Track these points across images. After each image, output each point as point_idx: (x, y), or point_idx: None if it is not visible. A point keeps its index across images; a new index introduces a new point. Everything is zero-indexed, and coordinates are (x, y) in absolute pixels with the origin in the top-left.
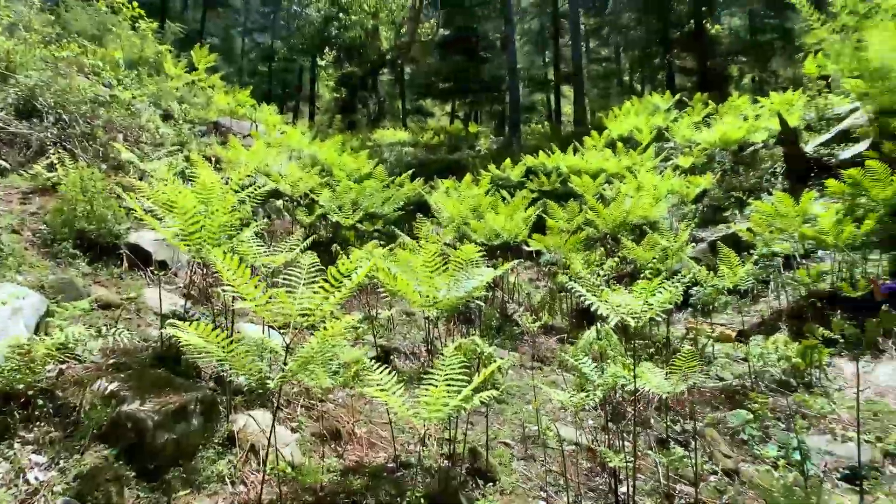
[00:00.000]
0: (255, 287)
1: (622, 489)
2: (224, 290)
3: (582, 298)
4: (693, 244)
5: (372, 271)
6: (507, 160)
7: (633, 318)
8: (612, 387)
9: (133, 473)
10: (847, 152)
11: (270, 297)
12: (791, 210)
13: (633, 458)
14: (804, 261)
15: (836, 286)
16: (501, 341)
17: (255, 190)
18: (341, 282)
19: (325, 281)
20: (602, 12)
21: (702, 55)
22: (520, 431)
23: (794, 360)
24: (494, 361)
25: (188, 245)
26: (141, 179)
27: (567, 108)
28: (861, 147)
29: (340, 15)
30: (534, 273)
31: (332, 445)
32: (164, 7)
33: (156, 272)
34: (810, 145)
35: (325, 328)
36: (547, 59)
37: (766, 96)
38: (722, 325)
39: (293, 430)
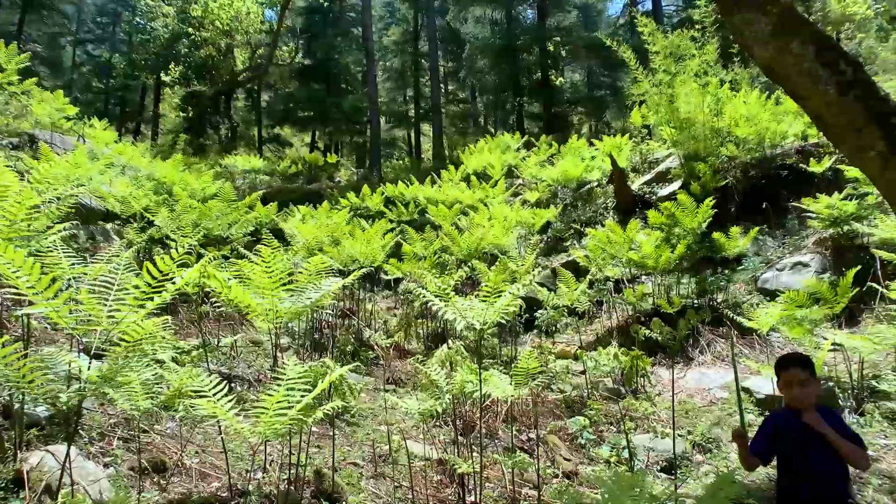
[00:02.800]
0: (48, 288)
1: (470, 498)
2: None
3: (434, 307)
4: (539, 270)
5: (203, 279)
6: (366, 189)
7: (479, 321)
8: (460, 392)
9: None
10: (664, 190)
11: (70, 300)
12: (620, 237)
13: (480, 466)
14: (631, 284)
15: (656, 305)
16: (356, 366)
17: (64, 200)
18: (161, 285)
19: (137, 288)
20: (459, 56)
21: (547, 102)
22: (370, 452)
23: (623, 367)
24: (345, 382)
25: None
26: None
27: (427, 145)
28: (675, 186)
29: (191, 30)
30: (392, 301)
31: (156, 479)
32: None
33: None
34: (636, 184)
35: (135, 337)
36: (408, 97)
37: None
38: (563, 343)
39: (106, 466)
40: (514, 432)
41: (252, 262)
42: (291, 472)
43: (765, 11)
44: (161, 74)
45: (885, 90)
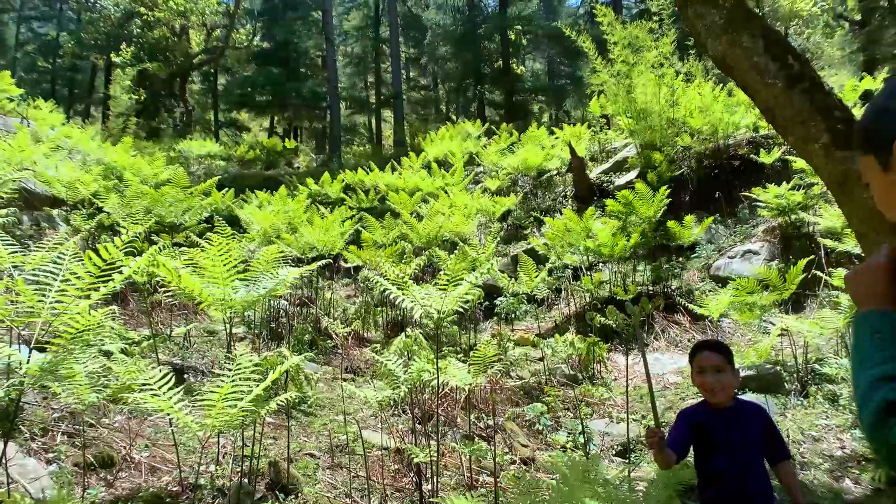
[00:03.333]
0: None
1: (427, 486)
2: None
3: (391, 296)
4: (499, 258)
5: (152, 267)
6: (326, 176)
7: (436, 309)
8: (417, 380)
9: None
10: (622, 179)
11: (6, 290)
12: (577, 226)
13: (437, 454)
14: (589, 272)
15: (613, 292)
16: (314, 355)
17: (4, 184)
18: (107, 274)
19: (79, 278)
20: (421, 43)
21: (509, 91)
22: (327, 442)
23: (580, 353)
24: (302, 371)
25: None
26: None
27: (388, 132)
28: (632, 175)
29: (143, 10)
30: (352, 290)
31: (102, 475)
32: None
33: None
34: (594, 173)
35: (78, 328)
36: (369, 83)
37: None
38: (522, 330)
39: (49, 462)
40: (473, 420)
41: (204, 250)
42: (245, 464)
43: (716, 5)
44: (112, 55)
45: (829, 85)
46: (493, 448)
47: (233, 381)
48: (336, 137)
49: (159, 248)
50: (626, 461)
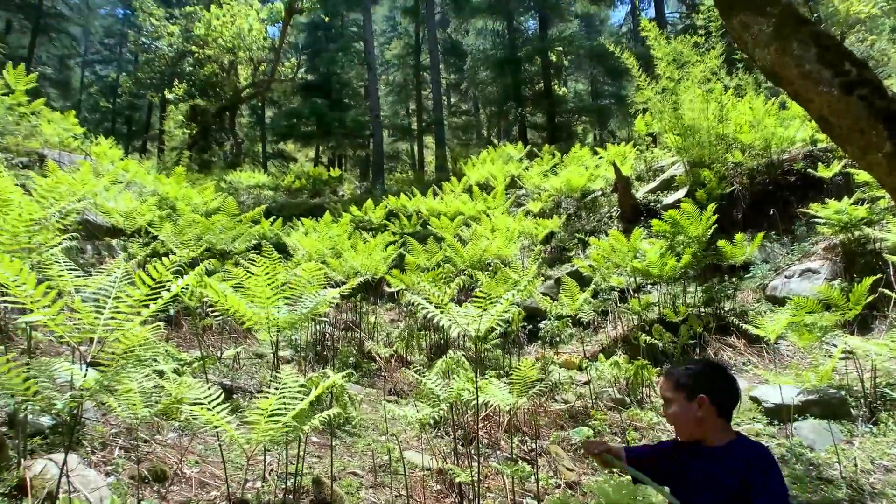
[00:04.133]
0: (45, 295)
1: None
2: (3, 302)
3: (429, 315)
4: (543, 280)
5: (200, 288)
6: (369, 202)
7: (473, 328)
8: (456, 398)
9: None
10: (669, 198)
11: (65, 308)
12: (623, 247)
13: (479, 475)
14: (636, 294)
15: (662, 314)
16: (358, 378)
17: (67, 213)
18: (157, 291)
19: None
20: (461, 68)
21: (550, 112)
22: (370, 462)
23: (627, 376)
24: (346, 392)
25: None
26: None
27: (429, 157)
28: (680, 194)
29: (194, 48)
30: (395, 314)
31: (155, 488)
32: None
33: None
34: (640, 192)
35: (128, 345)
36: (410, 110)
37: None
38: (567, 353)
39: (107, 474)
40: (516, 442)
41: (248, 271)
42: (290, 481)
43: (763, 13)
44: (165, 92)
45: (893, 91)
46: (536, 471)
47: (278, 398)
48: (379, 164)
49: (205, 268)
50: None
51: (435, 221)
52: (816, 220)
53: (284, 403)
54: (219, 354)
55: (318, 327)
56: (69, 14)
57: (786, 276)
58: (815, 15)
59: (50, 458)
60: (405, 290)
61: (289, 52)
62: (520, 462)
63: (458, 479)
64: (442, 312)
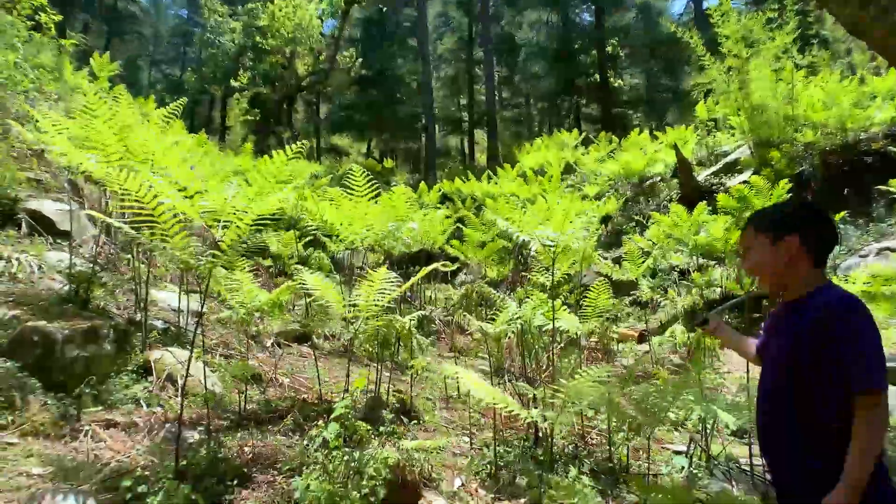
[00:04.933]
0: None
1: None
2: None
3: (508, 231)
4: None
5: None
6: (423, 185)
7: (551, 242)
8: (531, 318)
9: (39, 384)
10: (733, 181)
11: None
12: (686, 222)
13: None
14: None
15: (725, 291)
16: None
17: None
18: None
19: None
20: (513, 63)
21: (605, 104)
22: (441, 392)
23: (690, 344)
24: (414, 337)
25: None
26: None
27: (480, 154)
28: (745, 176)
29: (258, 39)
30: (449, 293)
31: (254, 386)
32: (61, 27)
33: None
34: (701, 176)
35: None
36: (461, 104)
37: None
38: (626, 327)
39: (213, 371)
40: None
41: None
42: (371, 394)
43: None
44: (231, 81)
45: None
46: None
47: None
48: (432, 156)
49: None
50: (744, 441)
51: (490, 203)
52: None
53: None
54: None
55: None
56: (141, 16)
57: (860, 256)
58: None
59: (167, 350)
60: (460, 269)
61: (346, 44)
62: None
63: (528, 396)
64: (520, 228)
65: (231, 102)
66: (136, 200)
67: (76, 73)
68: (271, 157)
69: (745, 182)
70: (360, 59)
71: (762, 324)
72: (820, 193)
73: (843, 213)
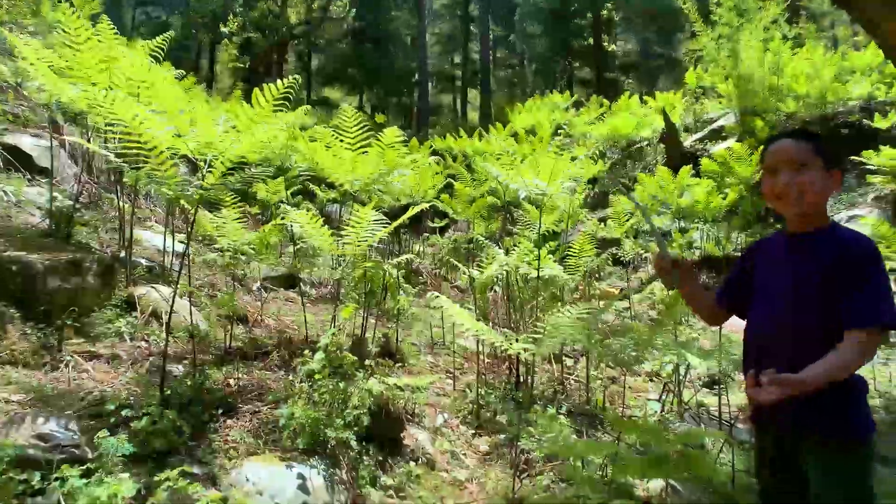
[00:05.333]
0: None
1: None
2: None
3: (497, 177)
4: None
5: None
6: (414, 141)
7: (540, 192)
8: (518, 264)
9: (19, 314)
10: (718, 146)
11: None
12: (671, 184)
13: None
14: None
15: (706, 252)
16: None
17: None
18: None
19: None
20: (509, 22)
21: (599, 68)
22: (427, 340)
23: (667, 302)
24: (400, 286)
25: None
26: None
27: (472, 113)
28: (729, 142)
29: None
30: (437, 249)
31: (240, 325)
32: None
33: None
34: (688, 141)
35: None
36: (455, 62)
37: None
38: (606, 285)
39: (199, 310)
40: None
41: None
42: (357, 337)
43: None
44: (220, 26)
45: None
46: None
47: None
48: (425, 112)
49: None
50: (715, 392)
51: (480, 160)
52: (867, 168)
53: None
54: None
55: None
56: None
57: None
58: None
59: (152, 287)
60: (449, 226)
61: None
62: (565, 357)
63: (509, 351)
64: (509, 174)
65: (219, 49)
66: (125, 130)
67: (55, 7)
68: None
69: (728, 148)
70: (354, 11)
71: (727, 275)
72: None
73: None
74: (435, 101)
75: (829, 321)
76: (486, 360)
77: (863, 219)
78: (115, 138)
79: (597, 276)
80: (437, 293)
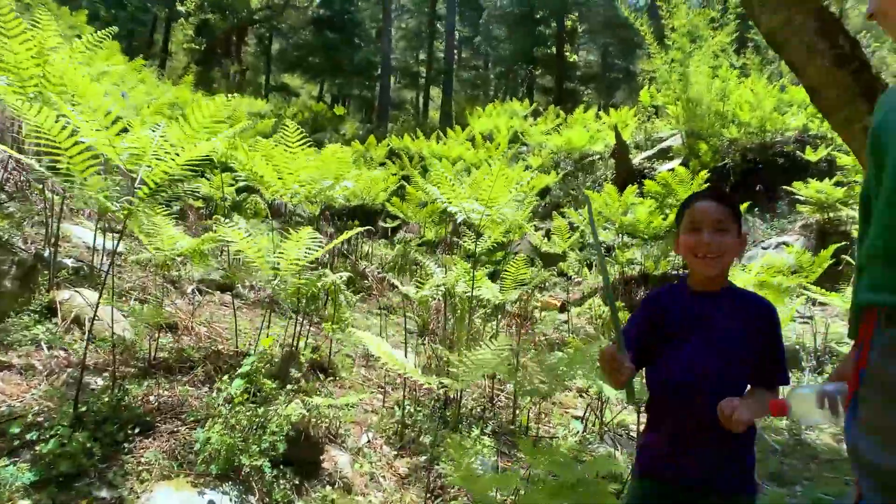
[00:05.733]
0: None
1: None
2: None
3: (438, 201)
4: (533, 230)
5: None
6: (372, 138)
7: (476, 214)
8: (454, 283)
9: None
10: (664, 166)
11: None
12: (616, 202)
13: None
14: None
15: (644, 268)
16: (352, 292)
17: None
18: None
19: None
20: (476, 23)
21: (560, 77)
22: (364, 350)
23: (604, 317)
24: (342, 293)
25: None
26: None
27: (434, 111)
28: (675, 163)
29: None
30: (389, 251)
31: (168, 334)
32: None
33: None
34: (637, 159)
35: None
36: (420, 59)
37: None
38: (550, 295)
39: (125, 317)
40: None
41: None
42: (290, 347)
43: None
44: (176, 4)
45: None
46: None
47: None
48: (385, 107)
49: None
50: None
51: (435, 164)
52: (798, 198)
53: (302, 252)
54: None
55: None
56: None
57: (762, 248)
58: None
59: (76, 291)
60: (400, 227)
61: None
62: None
63: (444, 360)
64: (450, 199)
65: (175, 27)
66: (48, 138)
67: None
68: (211, 90)
69: (671, 170)
70: (319, 3)
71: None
72: (736, 186)
73: (745, 206)
74: (398, 96)
75: (746, 373)
76: (419, 383)
77: (788, 248)
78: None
79: (541, 286)
80: (374, 308)
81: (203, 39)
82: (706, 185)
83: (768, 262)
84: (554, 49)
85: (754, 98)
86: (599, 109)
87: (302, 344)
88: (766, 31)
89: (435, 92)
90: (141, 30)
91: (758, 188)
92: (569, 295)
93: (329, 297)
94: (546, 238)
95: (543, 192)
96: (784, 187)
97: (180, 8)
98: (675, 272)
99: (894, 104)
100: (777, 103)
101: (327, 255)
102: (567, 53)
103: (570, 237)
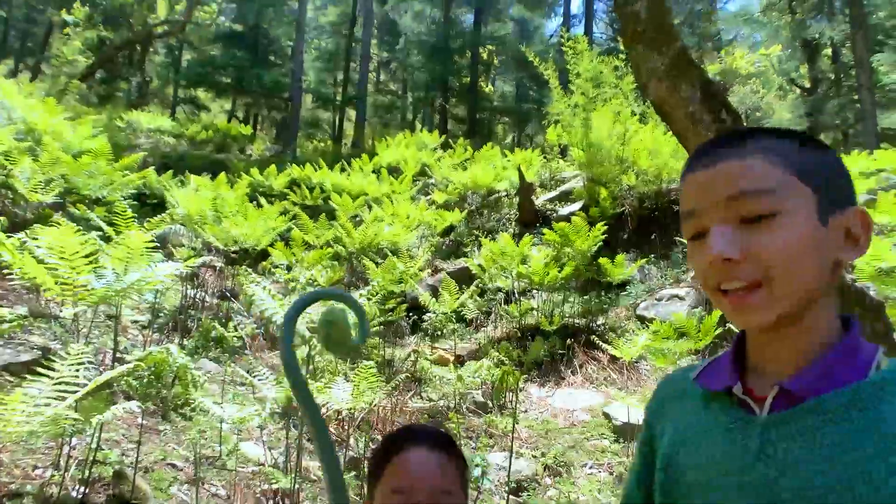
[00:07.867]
0: None
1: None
2: None
3: (261, 305)
4: (433, 273)
5: None
6: (273, 167)
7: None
8: (287, 403)
9: None
10: (566, 209)
11: None
12: (513, 251)
13: (297, 483)
14: (522, 298)
15: (539, 321)
16: (218, 354)
17: None
18: None
19: None
20: (394, 48)
21: (473, 107)
22: (201, 452)
23: (494, 380)
24: (189, 372)
25: None
26: None
27: (350, 132)
28: (576, 206)
29: None
30: (279, 288)
31: None
32: None
33: None
34: (540, 199)
35: None
36: (338, 80)
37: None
38: (445, 349)
39: None
40: (367, 440)
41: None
42: (91, 470)
43: (660, 52)
44: (62, 13)
45: None
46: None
47: (55, 381)
48: (293, 130)
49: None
50: (519, 499)
51: (336, 198)
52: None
53: (60, 391)
54: (58, 312)
55: (190, 292)
56: None
57: (655, 299)
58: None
59: None
60: (294, 265)
61: None
62: (365, 464)
63: (276, 485)
64: (271, 304)
65: (65, 31)
66: None
67: None
68: (111, 101)
69: (573, 214)
70: (232, 15)
71: None
72: (634, 233)
73: (641, 261)
74: (313, 115)
75: None
76: (261, 488)
77: (674, 314)
78: None
79: (439, 332)
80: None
81: (90, 53)
82: (605, 237)
83: (655, 327)
84: (469, 80)
85: (652, 145)
86: (513, 141)
87: (112, 454)
88: (654, 99)
89: (351, 113)
90: (37, 31)
91: (653, 236)
92: (462, 345)
93: (177, 377)
94: (433, 297)
95: (448, 230)
96: (678, 238)
97: (66, 17)
98: (575, 324)
99: (670, 393)
100: (674, 151)
101: (209, 297)
102: (482, 84)
103: (458, 296)
